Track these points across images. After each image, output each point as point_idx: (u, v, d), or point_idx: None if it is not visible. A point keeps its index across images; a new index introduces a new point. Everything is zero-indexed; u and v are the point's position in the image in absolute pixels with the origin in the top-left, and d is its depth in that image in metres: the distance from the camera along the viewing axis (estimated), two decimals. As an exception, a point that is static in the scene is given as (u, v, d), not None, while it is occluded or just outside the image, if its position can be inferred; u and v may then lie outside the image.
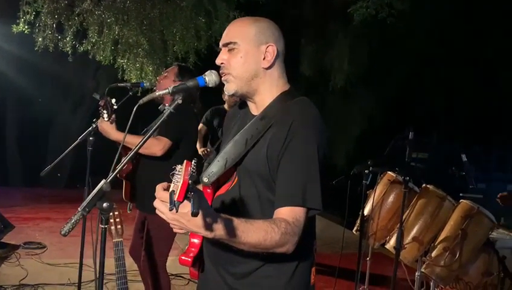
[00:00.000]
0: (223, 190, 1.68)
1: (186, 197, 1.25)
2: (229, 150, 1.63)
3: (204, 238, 1.64)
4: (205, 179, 1.61)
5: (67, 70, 8.53)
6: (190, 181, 1.25)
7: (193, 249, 1.66)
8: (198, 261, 1.70)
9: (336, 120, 9.65)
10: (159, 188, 1.35)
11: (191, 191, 1.25)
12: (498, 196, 3.88)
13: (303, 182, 1.50)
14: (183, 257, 1.66)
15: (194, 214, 1.23)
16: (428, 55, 9.12)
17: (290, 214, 1.48)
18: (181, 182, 1.25)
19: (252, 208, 1.59)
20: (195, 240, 1.66)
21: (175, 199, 1.24)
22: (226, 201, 1.63)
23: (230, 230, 1.39)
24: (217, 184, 1.69)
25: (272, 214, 1.52)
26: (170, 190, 1.28)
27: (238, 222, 1.41)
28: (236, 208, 1.59)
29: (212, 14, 5.69)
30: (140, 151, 3.09)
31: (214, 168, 1.62)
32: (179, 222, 1.34)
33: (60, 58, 6.49)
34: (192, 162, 1.30)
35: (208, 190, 1.68)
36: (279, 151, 1.53)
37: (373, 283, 4.13)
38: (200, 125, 4.86)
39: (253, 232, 1.42)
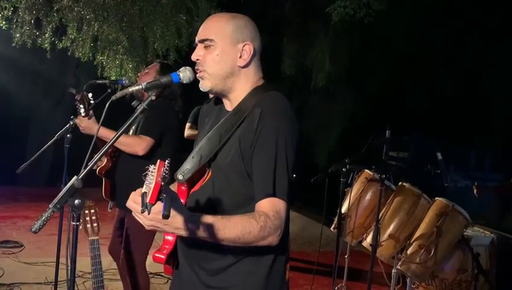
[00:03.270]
0: (197, 187, 1.69)
1: (158, 199, 1.24)
2: (203, 146, 1.63)
3: (178, 236, 1.64)
4: (180, 177, 1.61)
5: (47, 67, 8.42)
6: (162, 183, 1.24)
7: (167, 247, 1.66)
8: (172, 259, 1.70)
9: (318, 119, 9.71)
10: (138, 191, 1.36)
11: (163, 192, 1.25)
12: (475, 184, 4.01)
13: (273, 174, 1.52)
14: (156, 254, 1.66)
15: (165, 217, 1.24)
16: (408, 55, 9.22)
17: (269, 207, 1.49)
18: (153, 184, 1.24)
19: (226, 202, 1.60)
20: (170, 238, 1.66)
21: (147, 201, 1.24)
22: (201, 197, 1.63)
23: (207, 228, 1.40)
24: (191, 181, 1.69)
25: (247, 208, 1.54)
26: (142, 191, 1.27)
27: (214, 219, 1.42)
28: (210, 203, 1.60)
29: (193, 11, 5.67)
30: (123, 149, 3.09)
31: (189, 165, 1.62)
32: (156, 226, 1.36)
33: (39, 55, 6.40)
34: (166, 163, 1.30)
35: (183, 187, 1.68)
36: (251, 143, 1.54)
37: (351, 279, 4.17)
38: (188, 125, 4.85)
39: (230, 228, 1.43)
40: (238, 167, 1.57)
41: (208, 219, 1.42)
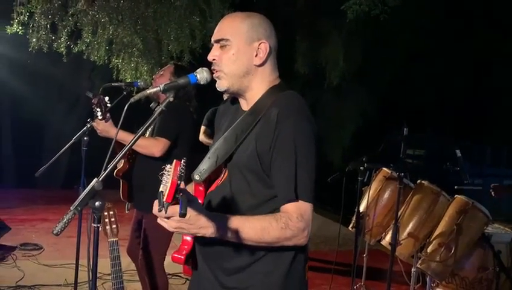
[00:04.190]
0: (213, 186, 1.69)
1: (174, 198, 1.25)
2: (219, 147, 1.64)
3: (196, 236, 1.64)
4: (197, 177, 1.62)
5: (62, 71, 8.51)
6: (179, 182, 1.25)
7: (186, 247, 1.67)
8: (191, 259, 1.70)
9: (332, 117, 9.67)
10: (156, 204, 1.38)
11: (179, 191, 1.26)
12: (491, 186, 3.87)
13: (294, 177, 1.51)
14: (175, 255, 1.67)
15: (182, 215, 1.25)
16: (421, 51, 9.15)
17: (293, 209, 1.50)
18: (169, 183, 1.25)
19: (243, 202, 1.60)
20: (188, 238, 1.67)
21: (164, 200, 1.25)
22: (218, 197, 1.63)
23: (229, 227, 1.43)
24: (208, 181, 1.69)
25: (264, 207, 1.55)
26: (159, 190, 1.28)
27: (234, 219, 1.45)
28: (227, 203, 1.60)
29: (206, 12, 5.68)
30: (139, 151, 3.10)
31: (205, 165, 1.63)
32: (182, 229, 1.39)
33: (54, 59, 6.46)
34: (182, 162, 1.30)
35: (200, 188, 1.68)
36: (270, 144, 1.54)
37: (370, 278, 4.13)
38: (203, 128, 4.86)
39: (249, 228, 1.45)
40: (255, 167, 1.57)
41: (228, 218, 1.44)
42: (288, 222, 1.48)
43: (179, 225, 1.37)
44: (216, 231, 1.42)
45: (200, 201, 1.62)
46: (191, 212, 1.36)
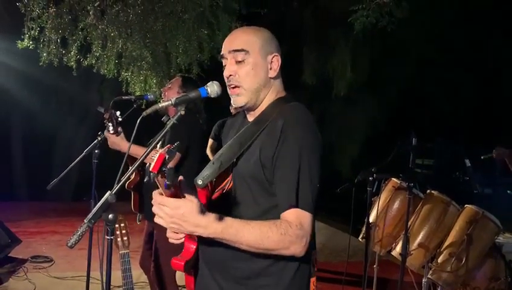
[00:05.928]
0: (218, 194, 1.71)
1: (161, 171, 1.26)
2: (223, 153, 1.66)
3: (200, 243, 1.65)
4: (199, 182, 1.62)
5: (72, 85, 8.61)
6: (167, 155, 1.26)
7: (187, 254, 1.66)
8: (192, 267, 1.71)
9: (340, 127, 9.67)
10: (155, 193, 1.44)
11: (167, 165, 1.27)
12: (494, 150, 3.88)
13: (296, 185, 1.52)
14: (175, 261, 1.65)
15: (167, 187, 1.27)
16: (429, 60, 9.13)
17: (292, 217, 1.50)
18: (157, 155, 1.27)
19: (247, 210, 1.61)
20: (192, 246, 1.67)
21: (150, 170, 1.26)
22: (221, 205, 1.65)
23: (226, 228, 1.43)
24: (212, 188, 1.71)
25: (267, 216, 1.56)
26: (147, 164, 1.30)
27: (233, 221, 1.45)
28: (231, 211, 1.61)
29: (214, 25, 5.72)
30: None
31: (208, 171, 1.63)
32: (176, 224, 1.40)
33: (64, 73, 6.54)
34: (175, 144, 1.33)
35: (204, 194, 1.70)
36: (273, 154, 1.56)
37: (380, 289, 4.11)
38: (210, 141, 4.88)
39: (248, 231, 1.45)
40: (258, 175, 1.59)
41: (227, 219, 1.45)
42: (287, 229, 1.47)
43: (173, 220, 1.38)
44: (213, 232, 1.42)
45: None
46: (184, 209, 1.37)
